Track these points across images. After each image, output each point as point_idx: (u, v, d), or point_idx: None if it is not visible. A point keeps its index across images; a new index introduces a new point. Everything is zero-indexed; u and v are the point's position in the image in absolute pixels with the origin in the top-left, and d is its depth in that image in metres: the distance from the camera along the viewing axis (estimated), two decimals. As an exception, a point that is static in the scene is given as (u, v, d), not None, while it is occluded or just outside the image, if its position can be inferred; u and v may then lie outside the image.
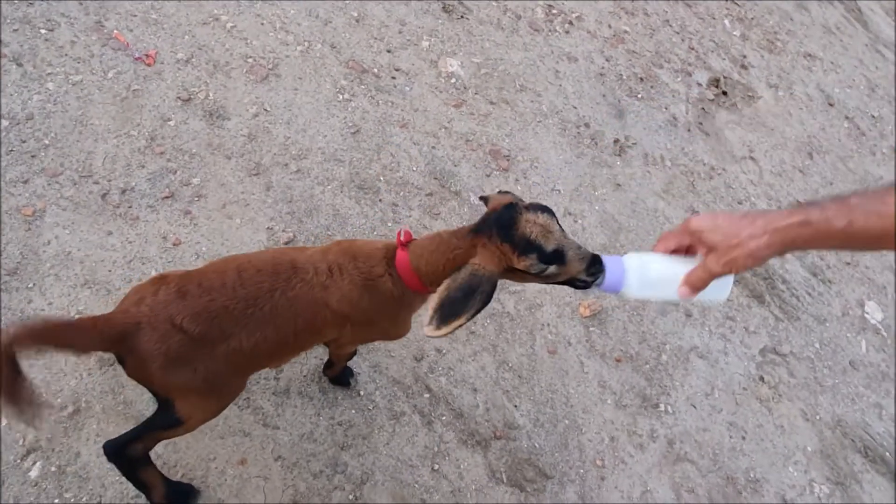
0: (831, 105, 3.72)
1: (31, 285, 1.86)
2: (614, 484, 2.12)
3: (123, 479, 1.65)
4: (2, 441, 1.64)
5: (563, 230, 1.26)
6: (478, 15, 3.09)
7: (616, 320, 2.45)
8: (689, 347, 2.50)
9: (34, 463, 1.64)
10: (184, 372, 1.30)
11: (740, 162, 3.20)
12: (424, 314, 1.21)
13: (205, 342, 1.29)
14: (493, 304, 2.24)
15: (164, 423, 1.39)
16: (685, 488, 2.19)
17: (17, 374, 1.18)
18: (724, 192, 3.03)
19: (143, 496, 1.60)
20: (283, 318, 1.37)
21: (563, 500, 2.03)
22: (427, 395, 2.06)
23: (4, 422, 1.67)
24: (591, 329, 2.39)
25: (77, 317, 1.28)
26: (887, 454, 2.51)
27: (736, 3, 3.94)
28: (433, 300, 1.20)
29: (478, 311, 1.21)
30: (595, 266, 1.23)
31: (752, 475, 2.29)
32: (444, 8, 3.03)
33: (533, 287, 2.39)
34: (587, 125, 2.97)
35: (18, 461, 1.63)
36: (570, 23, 3.31)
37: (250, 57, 2.54)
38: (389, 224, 2.36)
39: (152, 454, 1.51)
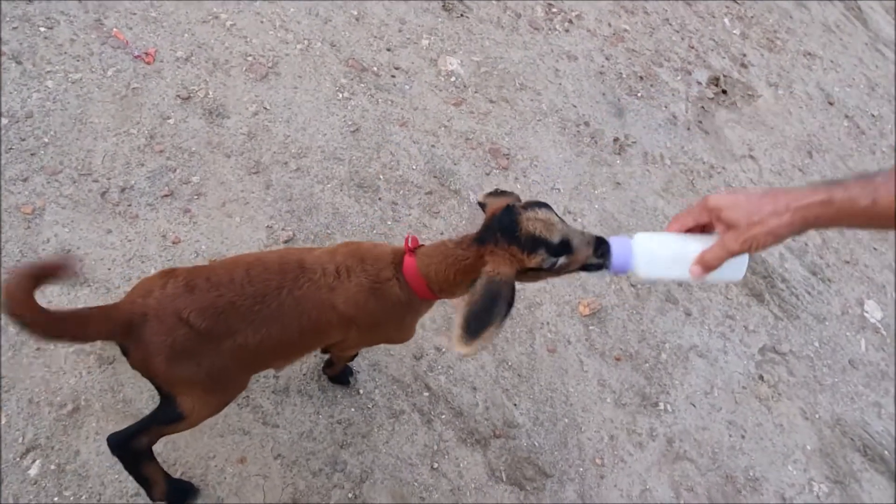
0: (831, 104, 3.72)
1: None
2: (614, 482, 2.12)
3: (123, 477, 1.65)
4: (1, 439, 1.64)
5: (563, 220, 1.27)
6: (477, 13, 3.09)
7: (616, 319, 2.45)
8: (689, 346, 2.50)
9: (34, 461, 1.64)
10: (188, 366, 1.31)
11: (740, 160, 3.20)
12: (452, 333, 1.22)
13: (210, 337, 1.30)
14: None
15: (166, 417, 1.40)
16: (684, 487, 2.19)
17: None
18: (723, 191, 3.03)
19: (143, 494, 1.60)
20: (289, 317, 1.37)
21: (562, 499, 2.03)
22: (426, 394, 2.06)
23: (4, 420, 1.67)
24: (590, 328, 2.40)
25: (84, 307, 1.28)
26: (886, 453, 2.51)
27: (736, 2, 3.94)
28: (457, 318, 1.20)
29: (505, 318, 1.21)
30: (602, 247, 1.23)
31: (751, 474, 2.30)
32: (443, 6, 3.03)
33: (533, 286, 2.40)
34: (587, 124, 2.97)
35: (18, 459, 1.63)
36: (570, 21, 3.30)
37: (250, 55, 2.54)
38: (389, 222, 2.36)
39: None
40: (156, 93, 2.32)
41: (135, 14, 2.45)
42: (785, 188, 1.04)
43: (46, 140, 2.10)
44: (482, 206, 1.37)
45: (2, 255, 1.87)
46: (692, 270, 1.10)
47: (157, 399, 1.77)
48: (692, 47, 3.54)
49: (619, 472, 2.15)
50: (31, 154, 2.06)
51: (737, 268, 1.11)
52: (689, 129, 3.19)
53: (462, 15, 3.05)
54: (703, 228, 1.13)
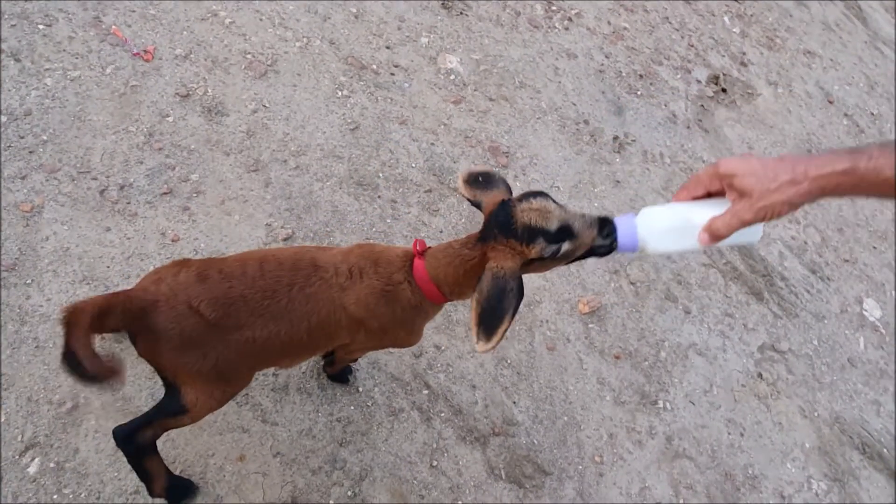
0: (830, 102, 3.72)
1: (29, 281, 1.86)
2: (613, 480, 2.12)
3: (122, 475, 1.65)
4: (1, 437, 1.64)
5: (561, 206, 1.25)
6: (477, 11, 3.09)
7: (615, 317, 2.45)
8: (688, 344, 2.50)
9: (33, 459, 1.64)
10: (194, 356, 1.31)
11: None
12: (472, 334, 1.21)
13: (219, 328, 1.30)
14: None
15: (170, 409, 1.40)
16: (683, 485, 2.19)
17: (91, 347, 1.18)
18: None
19: (143, 492, 1.61)
20: (298, 315, 1.37)
21: (561, 497, 2.03)
22: (426, 392, 2.06)
23: (3, 418, 1.67)
24: (589, 326, 2.40)
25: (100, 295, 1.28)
26: (885, 451, 2.51)
27: (735, 1, 3.93)
28: (472, 319, 1.21)
29: (517, 309, 1.21)
30: (606, 227, 1.22)
31: (750, 472, 2.30)
32: (443, 4, 3.02)
33: (532, 284, 2.40)
34: (586, 122, 2.97)
35: (17, 457, 1.63)
36: (570, 19, 3.30)
37: (249, 53, 2.53)
38: (388, 220, 2.36)
39: (151, 450, 1.51)
40: (155, 90, 2.31)
41: (133, 12, 2.45)
42: (802, 154, 1.01)
43: (45, 138, 2.10)
44: (478, 205, 1.36)
45: (1, 253, 1.87)
46: (700, 238, 1.05)
47: (156, 397, 1.77)
48: (692, 46, 3.54)
49: (619, 470, 2.15)
50: (30, 152, 2.06)
51: (752, 232, 1.07)
52: (688, 127, 3.19)
53: (461, 13, 3.05)
54: (711, 196, 1.09)
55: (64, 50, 2.28)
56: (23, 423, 1.68)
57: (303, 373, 1.96)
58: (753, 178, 0.97)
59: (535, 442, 2.10)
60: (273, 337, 1.37)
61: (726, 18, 3.79)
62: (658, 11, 3.60)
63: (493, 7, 3.15)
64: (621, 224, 1.17)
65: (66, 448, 1.67)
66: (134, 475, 1.55)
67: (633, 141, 3.00)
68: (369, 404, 1.98)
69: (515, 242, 1.23)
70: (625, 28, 3.42)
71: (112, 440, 1.68)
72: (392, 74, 2.73)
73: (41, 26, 2.29)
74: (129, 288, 1.31)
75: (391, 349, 2.08)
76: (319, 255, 1.41)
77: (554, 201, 1.25)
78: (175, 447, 1.74)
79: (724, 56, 3.58)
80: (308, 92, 2.53)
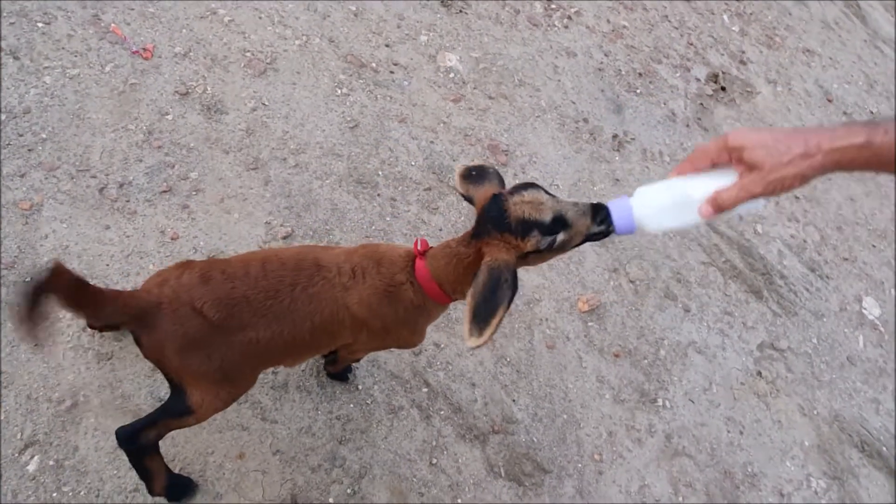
0: (830, 101, 3.72)
1: (28, 279, 1.86)
2: (612, 478, 2.13)
3: (122, 472, 1.65)
4: (0, 435, 1.64)
5: (554, 196, 1.24)
6: (476, 9, 3.09)
7: (614, 315, 2.45)
8: (688, 342, 2.50)
9: (32, 457, 1.64)
10: (199, 357, 1.31)
11: (739, 157, 3.20)
12: (463, 329, 1.20)
13: (223, 329, 1.30)
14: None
15: (175, 411, 1.40)
16: (683, 483, 2.20)
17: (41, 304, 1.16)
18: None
19: (142, 490, 1.61)
20: (301, 315, 1.37)
21: (560, 495, 2.03)
22: (425, 390, 2.06)
23: (3, 416, 1.67)
24: (589, 324, 2.40)
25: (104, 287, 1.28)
26: (884, 449, 2.52)
27: (735, -1, 3.93)
28: (466, 313, 1.20)
29: (510, 302, 1.20)
30: (600, 213, 1.21)
31: (749, 469, 2.30)
32: (442, 2, 3.02)
33: (531, 282, 2.40)
34: (586, 120, 2.96)
35: (16, 455, 1.63)
36: (569, 17, 3.30)
37: (248, 51, 2.53)
38: (388, 219, 2.35)
39: (151, 448, 1.51)
40: (154, 88, 2.31)
41: (132, 9, 2.45)
42: (813, 127, 0.97)
43: (44, 136, 2.10)
44: (470, 200, 1.35)
45: (0, 251, 1.87)
46: (702, 210, 1.02)
47: (155, 395, 1.77)
48: (691, 44, 3.54)
49: (618, 468, 2.15)
50: (29, 150, 2.06)
51: (755, 203, 1.03)
52: (687, 125, 3.19)
53: (461, 11, 3.04)
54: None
55: (63, 48, 2.27)
56: (22, 421, 1.67)
57: (302, 371, 1.96)
58: (764, 150, 0.94)
59: (535, 440, 2.10)
60: (276, 337, 1.37)
61: (725, 17, 3.79)
62: (657, 10, 3.59)
63: (492, 5, 3.15)
64: (616, 207, 1.16)
65: (66, 446, 1.67)
66: (133, 473, 1.55)
67: (633, 139, 3.00)
68: (369, 402, 1.98)
69: (510, 237, 1.22)
70: (624, 26, 3.42)
71: (111, 438, 1.69)
72: (391, 72, 2.72)
73: (40, 24, 2.29)
74: (133, 289, 1.31)
75: (392, 348, 2.08)
76: (322, 255, 1.41)
77: (546, 192, 1.24)
78: (175, 445, 1.74)
79: (723, 54, 3.58)
80: (307, 90, 2.53)
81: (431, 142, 2.60)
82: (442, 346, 2.14)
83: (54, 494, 1.61)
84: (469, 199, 1.35)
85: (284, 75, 2.53)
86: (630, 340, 2.42)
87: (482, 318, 1.18)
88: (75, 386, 1.75)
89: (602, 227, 1.22)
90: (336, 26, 2.75)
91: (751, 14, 3.90)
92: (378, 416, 1.96)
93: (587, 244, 2.55)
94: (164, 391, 1.78)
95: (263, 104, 2.43)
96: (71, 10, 2.35)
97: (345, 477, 1.85)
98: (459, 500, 1.93)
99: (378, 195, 2.39)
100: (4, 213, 1.93)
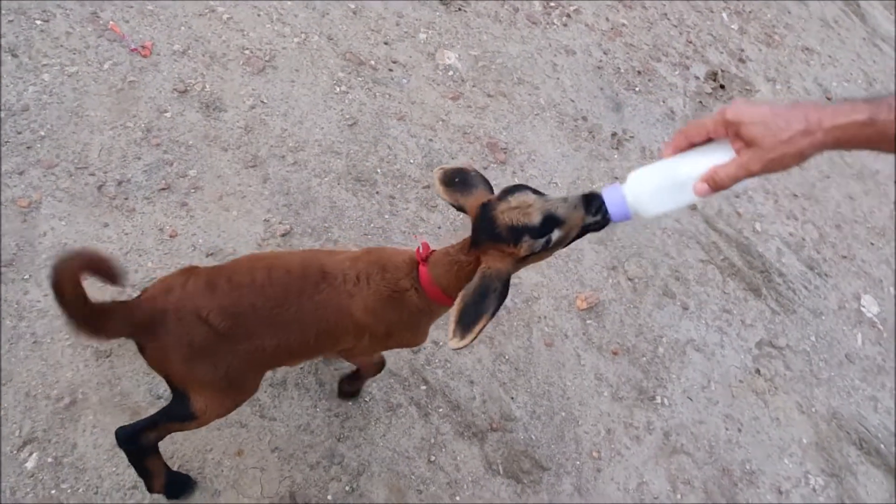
0: (829, 99, 3.72)
1: (27, 276, 1.86)
2: (610, 476, 2.13)
3: (120, 469, 1.65)
4: (-2, 432, 1.64)
5: (542, 195, 1.22)
6: (475, 7, 3.08)
7: (613, 313, 2.45)
8: (686, 340, 2.51)
9: (31, 454, 1.64)
10: (204, 365, 1.30)
11: (738, 155, 3.20)
12: (447, 328, 1.20)
13: (229, 338, 1.29)
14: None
15: (178, 415, 1.40)
16: (681, 480, 2.20)
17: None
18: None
19: (141, 487, 1.61)
20: (307, 322, 1.37)
21: (559, 492, 2.04)
22: (424, 388, 2.06)
23: (1, 413, 1.67)
24: (587, 322, 2.40)
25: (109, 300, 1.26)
26: (882, 447, 2.52)
27: (734, -3, 3.93)
28: (452, 313, 1.20)
29: (496, 310, 1.20)
30: (593, 203, 1.19)
31: (747, 467, 2.30)
32: (441, 0, 3.02)
33: (530, 280, 2.40)
34: (585, 118, 2.96)
35: (15, 452, 1.63)
36: (568, 16, 3.30)
37: (247, 49, 2.53)
38: (386, 216, 2.36)
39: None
40: (152, 86, 2.31)
41: (131, 7, 2.44)
42: (814, 102, 0.93)
43: (43, 133, 2.10)
44: (461, 209, 1.34)
45: (-2, 249, 1.87)
46: (698, 189, 0.99)
47: (154, 392, 1.77)
48: (690, 42, 3.53)
49: (616, 465, 2.15)
50: (28, 147, 2.06)
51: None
52: (686, 123, 3.18)
53: (460, 9, 3.04)
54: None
55: (62, 45, 2.27)
56: (21, 418, 1.68)
57: (301, 369, 1.96)
58: (763, 126, 0.91)
59: (533, 437, 2.11)
60: (282, 344, 1.37)
61: (725, 15, 3.79)
62: (656, 8, 3.59)
63: (491, 3, 3.14)
64: (609, 195, 1.13)
65: (64, 443, 1.67)
66: (132, 470, 1.55)
67: (632, 137, 3.00)
68: (367, 400, 1.98)
69: (503, 245, 1.22)
70: (623, 24, 3.42)
71: (110, 435, 1.69)
72: (390, 70, 2.72)
73: (39, 22, 2.29)
74: (135, 297, 1.29)
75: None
76: (327, 261, 1.40)
77: (533, 192, 1.22)
78: (173, 442, 1.74)
79: (722, 52, 3.58)
80: (306, 88, 2.53)
81: (430, 140, 2.60)
82: (440, 343, 2.15)
83: (53, 491, 1.61)
84: (460, 208, 1.34)
85: (283, 73, 2.53)
86: (628, 338, 2.42)
87: (467, 322, 1.19)
88: (74, 383, 1.75)
89: (598, 217, 1.21)
90: (335, 24, 2.75)
91: (750, 12, 3.90)
92: (376, 414, 1.97)
93: (587, 240, 2.56)
94: (163, 389, 1.78)
95: (262, 102, 2.43)
96: (69, 7, 2.35)
97: (343, 474, 1.85)
98: (458, 498, 1.93)
99: (377, 193, 2.39)
100: (3, 211, 1.93)
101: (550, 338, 2.31)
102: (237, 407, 1.48)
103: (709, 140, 1.02)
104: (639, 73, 3.26)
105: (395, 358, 2.07)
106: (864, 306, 2.93)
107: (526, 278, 2.40)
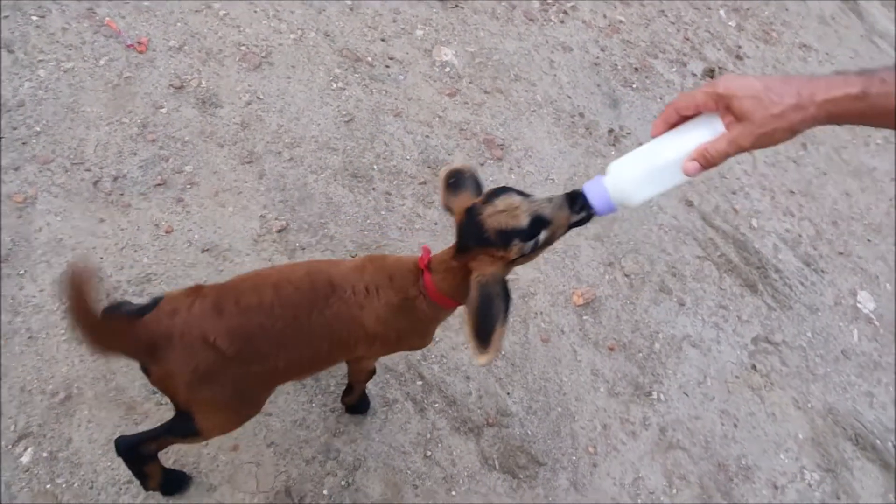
0: (826, 96, 3.72)
1: (22, 272, 1.86)
2: (606, 471, 2.13)
3: (116, 464, 1.65)
4: (-7, 427, 1.64)
5: (527, 196, 1.22)
6: (472, 4, 3.08)
7: (609, 309, 2.46)
8: (682, 336, 2.51)
9: (26, 448, 1.64)
10: (211, 389, 1.29)
11: (734, 152, 3.20)
12: (469, 348, 1.20)
13: (239, 361, 1.27)
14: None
15: (181, 431, 1.39)
16: (677, 475, 2.20)
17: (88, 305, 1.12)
18: (717, 181, 3.03)
19: (136, 482, 1.61)
20: (319, 336, 1.36)
21: (555, 487, 2.04)
22: (420, 383, 2.06)
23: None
24: (584, 318, 2.40)
25: (111, 315, 1.23)
26: (878, 442, 2.52)
27: (731, -6, 3.93)
28: (466, 332, 1.20)
29: (507, 312, 1.20)
30: (576, 201, 1.18)
31: (743, 462, 2.31)
32: (438, -3, 3.02)
33: (526, 276, 2.40)
34: (581, 115, 2.96)
35: (10, 447, 1.63)
36: (565, 12, 3.30)
37: (243, 45, 2.53)
38: (383, 212, 2.36)
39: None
40: (148, 82, 2.31)
41: (127, 3, 2.44)
42: (806, 76, 0.91)
43: (38, 129, 2.09)
44: (450, 210, 1.33)
45: (-7, 244, 1.87)
46: (687, 167, 0.97)
47: (149, 387, 1.77)
48: (687, 39, 3.53)
49: (612, 460, 2.16)
50: (23, 143, 2.06)
51: None
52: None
53: (456, 5, 3.04)
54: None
55: (57, 41, 2.27)
56: (16, 413, 1.68)
57: (297, 363, 1.96)
58: (755, 100, 0.88)
59: (529, 433, 2.11)
60: (295, 362, 1.37)
61: (722, 12, 3.79)
62: (654, 5, 3.59)
63: (488, 0, 3.14)
64: (592, 189, 1.12)
65: (60, 438, 1.67)
66: (127, 464, 1.55)
67: (629, 134, 3.00)
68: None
69: (493, 249, 1.22)
70: (620, 21, 3.42)
71: (105, 430, 1.69)
72: (387, 67, 2.72)
73: (34, 17, 2.29)
74: (141, 319, 1.25)
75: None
76: (334, 273, 1.39)
77: (518, 193, 1.22)
78: (168, 437, 1.74)
79: (719, 49, 3.58)
80: (302, 84, 2.53)
81: (427, 136, 2.60)
82: (437, 339, 2.15)
83: (48, 486, 1.61)
84: (449, 210, 1.34)
85: (279, 69, 2.53)
86: (625, 334, 2.42)
87: (484, 335, 1.19)
88: (69, 378, 1.75)
89: (583, 214, 1.20)
90: (331, 20, 2.75)
91: (747, 9, 3.90)
92: (372, 409, 1.97)
93: (584, 236, 2.56)
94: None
95: (258, 98, 2.43)
96: (65, 3, 2.35)
97: (339, 469, 1.85)
98: (454, 493, 1.93)
99: (373, 189, 2.39)
100: (-2, 206, 1.93)
101: (547, 333, 2.31)
102: (244, 422, 1.48)
103: (698, 114, 1.01)
104: (636, 69, 3.26)
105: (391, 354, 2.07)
106: (860, 302, 2.93)
107: (522, 274, 2.40)
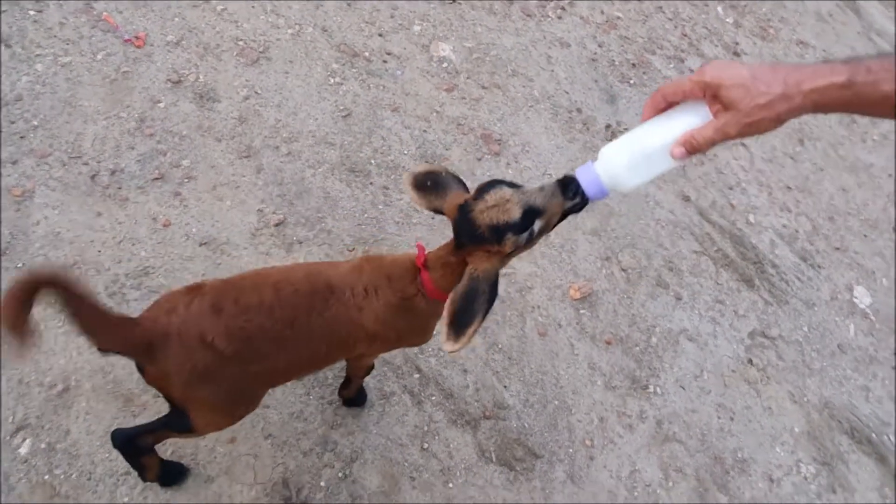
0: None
1: (20, 265, 1.86)
2: (603, 463, 2.14)
3: (113, 455, 1.66)
4: (-9, 418, 1.65)
5: (518, 187, 1.21)
6: (470, 0, 3.09)
7: (606, 303, 2.46)
8: (679, 330, 2.52)
9: (24, 440, 1.65)
10: (207, 388, 1.29)
11: (731, 148, 3.21)
12: (441, 333, 1.19)
13: (237, 361, 1.27)
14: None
15: (176, 427, 1.39)
16: (673, 468, 2.21)
17: (27, 306, 1.08)
18: (715, 177, 3.04)
19: (134, 473, 1.61)
20: (318, 338, 1.36)
21: (552, 479, 2.05)
22: (417, 376, 2.07)
23: (-6, 399, 1.67)
24: (581, 311, 2.41)
25: (110, 310, 1.21)
26: (874, 435, 2.53)
27: (729, -9, 3.94)
28: (444, 317, 1.20)
29: (487, 311, 1.20)
30: (569, 187, 1.18)
31: (739, 455, 2.32)
32: (436, -8, 3.02)
33: (524, 270, 2.41)
34: (579, 110, 2.97)
35: (8, 438, 1.64)
36: (563, 8, 3.30)
37: (241, 40, 2.53)
38: (380, 207, 2.36)
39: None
40: (146, 77, 2.31)
41: (125, -2, 2.45)
42: (794, 64, 0.91)
43: (36, 123, 2.10)
44: (440, 212, 1.33)
45: (-9, 237, 1.87)
46: (675, 152, 0.98)
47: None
48: (685, 35, 3.54)
49: (609, 453, 2.16)
50: (21, 137, 2.06)
51: None
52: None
53: (454, 1, 3.04)
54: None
55: (55, 36, 2.27)
56: (14, 404, 1.68)
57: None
58: (742, 89, 0.89)
59: (526, 425, 2.12)
60: (294, 362, 1.37)
61: (720, 8, 3.80)
62: (651, 1, 3.60)
63: (485, -4, 3.15)
64: (583, 175, 1.12)
65: (58, 430, 1.68)
66: (125, 456, 1.55)
67: (626, 129, 3.01)
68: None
69: (488, 245, 1.22)
70: (618, 17, 3.42)
71: (103, 422, 1.70)
72: (384, 62, 2.73)
73: (32, 12, 2.29)
74: (137, 316, 1.25)
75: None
76: (332, 274, 1.39)
77: (508, 184, 1.21)
78: (166, 429, 1.75)
79: (717, 46, 3.59)
80: (300, 79, 2.53)
81: (424, 131, 2.61)
82: (434, 332, 2.15)
83: (46, 477, 1.62)
84: (437, 211, 1.33)
85: (277, 64, 2.53)
86: (622, 328, 2.43)
87: (459, 325, 1.19)
88: (67, 370, 1.75)
89: (576, 200, 1.20)
90: (329, 16, 2.75)
91: (745, 6, 3.91)
92: (370, 401, 1.97)
93: (581, 231, 2.57)
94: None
95: (256, 93, 2.43)
96: (63, -2, 2.35)
97: (336, 461, 1.86)
98: (451, 485, 1.94)
99: (370, 183, 2.40)
100: (-4, 200, 1.93)
101: (544, 327, 2.32)
102: (239, 420, 1.48)
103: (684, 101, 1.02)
104: (633, 65, 3.26)
105: (388, 346, 2.08)
106: (856, 297, 2.94)
107: (520, 268, 2.41)
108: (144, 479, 1.62)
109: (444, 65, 2.83)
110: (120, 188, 2.08)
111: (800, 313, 2.77)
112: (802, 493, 2.32)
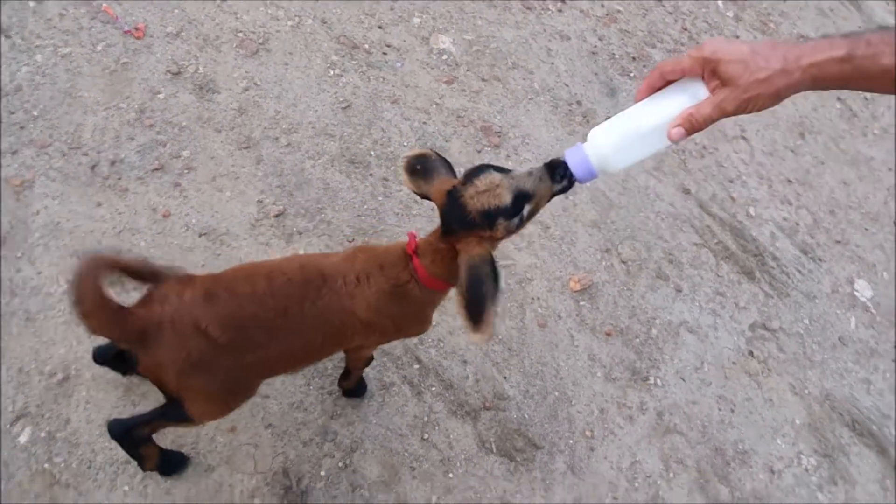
0: (824, 86, 3.72)
1: (19, 255, 1.86)
2: (604, 455, 2.14)
3: (113, 445, 1.65)
4: (-9, 407, 1.65)
5: (507, 172, 1.21)
6: (470, -7, 3.08)
7: (606, 295, 2.46)
8: (679, 322, 2.51)
9: (24, 428, 1.65)
10: (201, 377, 1.29)
11: (732, 141, 3.20)
12: (463, 328, 1.19)
13: (231, 350, 1.27)
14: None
15: (172, 417, 1.40)
16: (674, 459, 2.21)
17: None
18: (715, 170, 3.04)
19: (134, 462, 1.61)
20: (312, 328, 1.36)
21: (552, 470, 2.05)
22: (417, 366, 2.07)
23: (-6, 388, 1.67)
24: (581, 303, 2.40)
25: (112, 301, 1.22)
26: (874, 428, 2.53)
27: (729, -16, 3.93)
28: (459, 313, 1.20)
29: (497, 290, 1.20)
30: (556, 170, 1.18)
31: (740, 447, 2.31)
32: (436, -15, 3.02)
33: (523, 262, 2.40)
34: (579, 103, 2.97)
35: (8, 427, 1.64)
36: (563, 1, 3.30)
37: (240, 31, 2.53)
38: (380, 198, 2.36)
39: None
40: (146, 68, 2.31)
41: (124, -11, 2.44)
42: (793, 41, 0.93)
43: (36, 114, 2.10)
44: (427, 197, 1.32)
45: (-9, 227, 1.87)
46: (672, 133, 0.97)
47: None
48: (685, 29, 3.54)
49: (609, 444, 2.16)
50: (21, 127, 2.06)
51: None
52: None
53: (454, -6, 3.04)
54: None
55: (55, 27, 2.27)
56: (14, 393, 1.68)
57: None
58: (741, 65, 0.88)
59: (526, 416, 2.11)
60: (287, 352, 1.37)
61: (720, 2, 3.79)
62: (652, -6, 3.59)
63: (486, -12, 3.14)
64: (572, 157, 1.11)
65: (58, 418, 1.68)
66: (124, 444, 1.55)
67: (626, 122, 3.00)
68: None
69: (479, 230, 1.21)
70: (618, 11, 3.42)
71: (103, 411, 1.70)
72: (384, 54, 2.72)
73: (32, 3, 2.29)
74: (131, 306, 1.25)
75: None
76: (325, 264, 1.39)
77: (496, 169, 1.21)
78: (166, 418, 1.75)
79: (717, 39, 3.58)
80: (300, 70, 2.53)
81: (424, 123, 2.60)
82: (434, 323, 2.15)
83: (46, 465, 1.62)
84: (425, 196, 1.32)
85: (277, 56, 2.53)
86: (622, 319, 2.43)
87: (476, 314, 1.19)
88: (67, 360, 1.75)
89: (564, 183, 1.20)
90: (329, 7, 2.75)
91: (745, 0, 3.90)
92: (369, 392, 1.97)
93: (581, 222, 2.56)
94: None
95: (255, 84, 2.43)
96: (62, -11, 2.35)
97: (336, 451, 1.86)
98: (451, 475, 1.94)
99: (370, 175, 2.40)
100: (-4, 190, 1.93)
101: (544, 319, 2.32)
102: (236, 409, 1.48)
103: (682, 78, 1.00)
104: (633, 59, 3.26)
105: (388, 337, 2.08)
106: (857, 290, 2.93)
107: (519, 260, 2.41)
108: (144, 469, 1.62)
109: (444, 57, 2.83)
110: (120, 179, 2.08)
111: (801, 306, 2.77)
112: (803, 484, 2.32)
